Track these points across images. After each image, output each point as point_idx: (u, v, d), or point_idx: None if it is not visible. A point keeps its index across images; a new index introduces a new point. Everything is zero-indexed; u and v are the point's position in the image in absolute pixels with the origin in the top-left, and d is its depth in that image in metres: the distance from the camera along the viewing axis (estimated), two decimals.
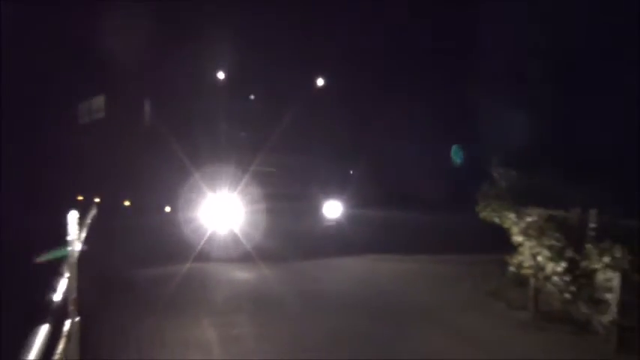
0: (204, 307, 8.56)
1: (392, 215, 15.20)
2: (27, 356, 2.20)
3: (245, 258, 11.74)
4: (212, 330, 7.55)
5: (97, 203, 16.48)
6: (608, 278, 7.30)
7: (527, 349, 7.13)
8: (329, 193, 13.95)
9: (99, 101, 17.61)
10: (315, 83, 14.63)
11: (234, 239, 12.37)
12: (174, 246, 12.10)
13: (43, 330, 2.48)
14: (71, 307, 3.37)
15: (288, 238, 12.54)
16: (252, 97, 14.70)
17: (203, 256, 11.68)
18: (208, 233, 12.42)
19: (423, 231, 14.05)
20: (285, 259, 11.73)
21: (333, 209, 13.99)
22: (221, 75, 13.93)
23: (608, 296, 7.29)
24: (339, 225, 13.93)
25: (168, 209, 14.08)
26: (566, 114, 8.04)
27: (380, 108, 15.62)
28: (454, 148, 10.13)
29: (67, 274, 3.44)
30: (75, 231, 3.63)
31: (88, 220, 8.73)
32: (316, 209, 13.89)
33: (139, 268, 10.89)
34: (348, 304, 9.09)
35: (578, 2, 8.81)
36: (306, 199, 13.69)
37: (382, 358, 6.68)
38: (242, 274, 10.86)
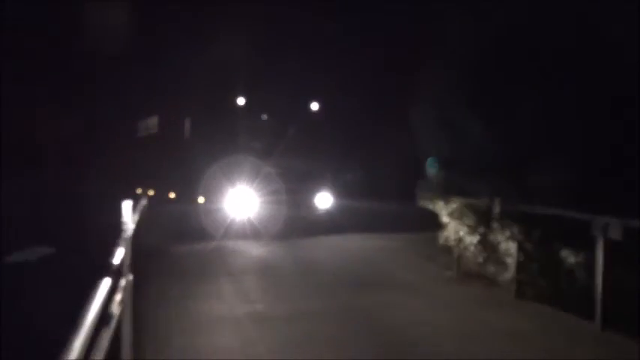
0: (222, 271, 8.73)
1: (369, 205, 15.33)
2: (95, 299, 2.37)
3: (257, 237, 11.83)
4: (228, 285, 7.75)
5: (149, 195, 16.59)
6: (509, 247, 7.52)
7: (451, 295, 7.42)
8: (322, 188, 14.00)
9: (153, 120, 17.82)
10: (311, 105, 14.82)
11: (250, 223, 12.45)
12: (203, 228, 12.12)
13: (107, 282, 2.67)
14: (126, 269, 3.56)
15: (291, 223, 12.59)
16: (264, 116, 14.90)
17: (225, 236, 11.71)
18: (230, 219, 12.50)
19: (389, 217, 14.17)
20: (288, 237, 11.78)
21: (325, 200, 14.01)
22: (241, 100, 14.11)
23: (509, 260, 7.51)
24: (330, 213, 13.96)
25: (201, 200, 14.03)
26: (480, 127, 8.20)
27: (360, 121, 15.57)
28: (429, 160, 10.07)
29: (123, 246, 3.61)
30: (129, 215, 3.79)
31: (139, 207, 8.83)
32: (312, 200, 13.92)
33: (176, 244, 10.99)
34: (331, 265, 9.43)
35: (500, 24, 8.69)
36: (304, 193, 13.74)
37: (351, 299, 6.97)
38: (254, 248, 10.87)
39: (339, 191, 14.34)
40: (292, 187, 13.22)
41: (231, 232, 12.07)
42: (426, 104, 9.19)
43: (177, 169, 15.67)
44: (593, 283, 6.07)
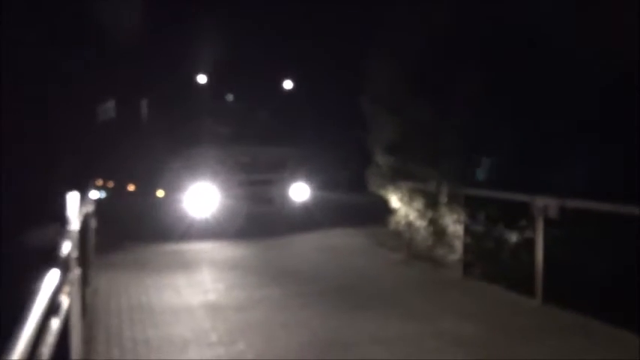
0: (180, 268, 8.60)
1: (343, 197, 14.05)
2: (42, 292, 2.39)
3: (223, 236, 10.61)
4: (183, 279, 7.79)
5: (109, 187, 15.67)
6: (456, 229, 7.83)
7: (401, 275, 7.80)
8: (297, 179, 12.27)
9: (110, 103, 15.63)
10: (284, 84, 12.88)
11: (215, 220, 10.99)
12: (161, 226, 11.09)
13: (54, 274, 2.69)
14: (73, 263, 3.55)
15: (262, 219, 11.39)
16: (229, 97, 13.05)
17: (185, 236, 10.55)
18: (191, 215, 11.00)
19: (359, 208, 13.14)
20: (258, 236, 10.74)
21: (300, 192, 12.32)
22: (203, 78, 12.20)
23: (456, 242, 7.83)
24: (305, 206, 12.39)
25: (160, 194, 12.34)
26: (423, 117, 8.41)
27: (335, 102, 13.64)
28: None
29: (69, 239, 3.58)
30: (75, 210, 3.74)
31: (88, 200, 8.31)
32: (285, 193, 12.15)
33: (129, 243, 10.47)
34: (293, 261, 9.18)
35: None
36: (277, 184, 12.03)
37: (309, 288, 7.11)
38: (217, 251, 9.98)
39: (316, 182, 12.82)
40: (264, 178, 11.75)
41: (193, 231, 10.76)
42: (374, 89, 9.32)
43: (135, 158, 13.91)
44: (534, 261, 6.39)
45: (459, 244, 7.73)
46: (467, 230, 7.67)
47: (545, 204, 6.23)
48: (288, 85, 12.97)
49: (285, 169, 12.10)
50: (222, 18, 13.07)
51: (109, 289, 7.03)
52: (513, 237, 7.43)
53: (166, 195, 12.03)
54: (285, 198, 12.16)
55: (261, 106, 12.86)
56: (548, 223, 6.16)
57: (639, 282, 5.54)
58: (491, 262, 7.51)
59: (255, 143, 11.98)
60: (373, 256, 9.15)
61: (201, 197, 11.07)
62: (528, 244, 6.99)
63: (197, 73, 12.28)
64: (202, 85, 12.34)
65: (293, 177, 12.26)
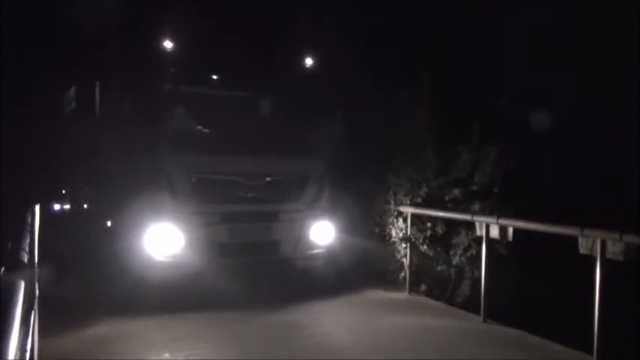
0: None
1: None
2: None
3: (185, 308, 6.68)
4: None
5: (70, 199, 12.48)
6: (402, 247, 8.17)
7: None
8: (317, 211, 7.97)
9: (71, 92, 10.40)
10: (303, 59, 8.09)
11: (177, 278, 6.90)
12: (98, 274, 7.45)
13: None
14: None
15: (255, 277, 7.29)
16: (215, 77, 7.92)
17: (127, 302, 6.66)
18: (143, 268, 6.89)
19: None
20: (244, 308, 6.77)
21: (321, 232, 7.97)
22: (172, 46, 7.31)
23: (403, 259, 8.15)
24: (329, 253, 8.09)
25: (109, 224, 8.17)
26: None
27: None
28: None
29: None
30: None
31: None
32: (300, 234, 7.81)
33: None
34: None
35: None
36: (286, 221, 7.74)
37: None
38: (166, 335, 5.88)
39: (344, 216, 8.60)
40: (266, 210, 7.63)
41: (142, 296, 6.68)
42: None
43: (87, 166, 9.21)
44: (479, 279, 6.77)
45: (405, 262, 8.04)
46: (413, 248, 7.99)
47: (487, 223, 6.61)
48: (310, 60, 8.26)
49: (302, 196, 7.93)
50: None
51: None
52: (456, 257, 7.87)
53: (115, 226, 8.00)
54: (299, 243, 7.89)
55: (264, 94, 8.25)
56: (493, 242, 6.55)
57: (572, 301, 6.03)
58: (436, 279, 7.91)
59: (254, 152, 7.46)
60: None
61: (163, 239, 7.07)
62: (471, 263, 7.44)
63: (164, 40, 7.45)
64: (173, 60, 7.44)
65: (313, 209, 7.99)
